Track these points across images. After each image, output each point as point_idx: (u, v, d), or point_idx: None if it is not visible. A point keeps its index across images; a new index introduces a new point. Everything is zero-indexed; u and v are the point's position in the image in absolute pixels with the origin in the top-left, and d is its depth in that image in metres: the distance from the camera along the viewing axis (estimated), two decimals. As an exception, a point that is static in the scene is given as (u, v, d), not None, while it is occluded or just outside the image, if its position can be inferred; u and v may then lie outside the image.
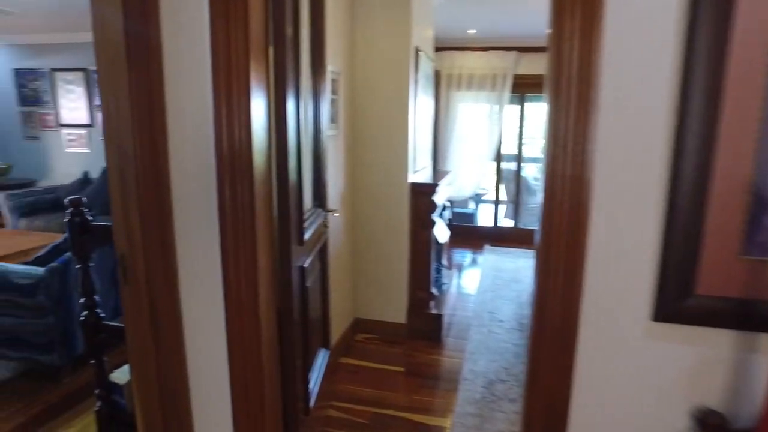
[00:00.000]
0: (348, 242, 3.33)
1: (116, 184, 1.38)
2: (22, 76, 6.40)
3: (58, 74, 6.23)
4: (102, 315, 1.94)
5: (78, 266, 1.85)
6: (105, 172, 5.80)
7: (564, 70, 1.08)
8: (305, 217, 1.84)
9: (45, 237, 4.34)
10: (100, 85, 1.39)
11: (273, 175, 1.55)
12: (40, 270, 2.57)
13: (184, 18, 1.32)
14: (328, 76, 2.56)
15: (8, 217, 5.47)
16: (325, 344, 2.38)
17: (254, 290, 1.41)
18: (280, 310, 1.64)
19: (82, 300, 1.90)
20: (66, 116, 6.31)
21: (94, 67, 6.18)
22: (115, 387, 1.94)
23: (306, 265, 1.84)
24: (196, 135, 1.37)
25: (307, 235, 1.82)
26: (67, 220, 1.80)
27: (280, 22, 1.52)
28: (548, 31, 1.11)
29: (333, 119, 2.86)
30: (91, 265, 1.88)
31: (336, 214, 2.65)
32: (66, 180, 6.16)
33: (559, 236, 1.14)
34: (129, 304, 1.46)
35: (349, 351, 3.29)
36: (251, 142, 1.33)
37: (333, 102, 2.85)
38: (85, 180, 5.79)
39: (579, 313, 1.17)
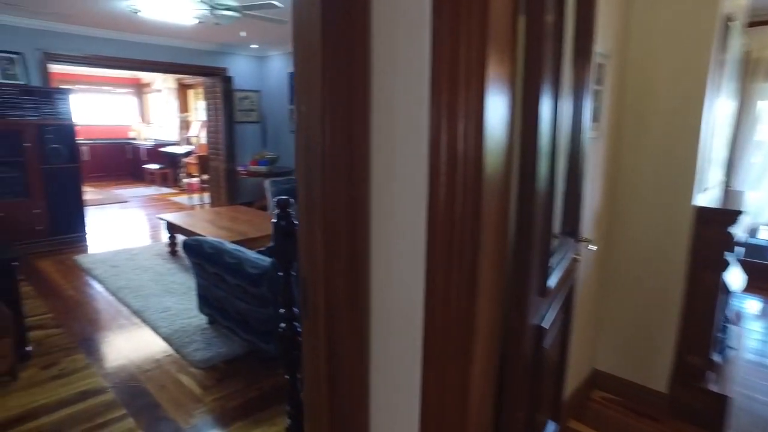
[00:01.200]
0: (594, 274, 2.59)
1: (303, 195, 1.07)
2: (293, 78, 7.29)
3: (322, 75, 6.87)
4: (300, 330, 1.74)
5: (280, 273, 1.67)
6: None
7: None
8: (552, 250, 1.28)
9: (291, 223, 4.74)
10: (297, 82, 1.11)
11: (511, 196, 1.04)
12: (266, 261, 2.61)
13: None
14: (594, 60, 1.91)
15: (270, 202, 6.27)
16: (555, 416, 1.78)
17: (466, 360, 0.94)
18: (500, 385, 1.13)
19: (281, 310, 1.72)
20: (324, 113, 6.95)
21: None
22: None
23: (546, 324, 1.28)
24: (408, 138, 0.97)
25: (552, 280, 1.27)
26: (273, 221, 1.62)
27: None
28: None
29: (594, 117, 2.18)
30: (293, 274, 1.68)
31: (592, 247, 1.96)
32: None
33: None
34: (306, 341, 1.16)
35: (581, 413, 2.57)
36: (481, 152, 0.86)
37: (596, 94, 2.17)
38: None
39: None
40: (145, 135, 11.35)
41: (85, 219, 5.68)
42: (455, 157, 0.89)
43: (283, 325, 1.74)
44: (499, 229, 0.99)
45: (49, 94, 5.29)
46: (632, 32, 2.46)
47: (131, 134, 11.64)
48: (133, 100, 11.78)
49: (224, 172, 7.20)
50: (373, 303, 1.09)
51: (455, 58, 0.86)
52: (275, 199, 1.61)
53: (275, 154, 7.26)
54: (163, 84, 10.44)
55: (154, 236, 5.92)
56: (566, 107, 1.45)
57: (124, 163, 11.11)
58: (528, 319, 1.15)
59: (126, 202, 8.21)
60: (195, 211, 6.09)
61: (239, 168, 7.13)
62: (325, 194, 1.02)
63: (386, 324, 1.08)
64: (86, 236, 5.65)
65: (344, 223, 1.04)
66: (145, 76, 11.25)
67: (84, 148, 10.45)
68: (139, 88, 11.72)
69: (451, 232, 0.92)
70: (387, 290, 1.07)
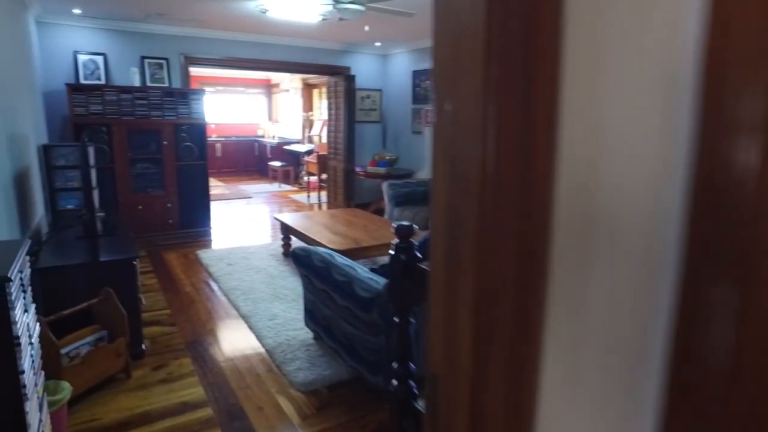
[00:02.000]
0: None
1: (440, 244, 0.67)
2: (417, 77, 6.97)
3: (445, 73, 6.46)
4: (416, 391, 1.34)
5: (395, 319, 1.29)
6: None
7: None
8: None
9: (406, 231, 4.40)
10: (437, 67, 0.70)
11: None
12: (378, 285, 2.27)
13: None
14: None
15: (387, 205, 6.01)
16: None
17: None
18: None
19: (394, 364, 1.34)
20: (445, 113, 6.53)
21: None
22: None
23: None
24: (631, 151, 0.52)
25: None
26: (391, 253, 1.24)
27: None
28: None
29: None
30: (412, 322, 1.29)
31: None
32: None
33: None
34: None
35: None
36: None
37: None
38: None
39: None
40: (271, 133, 11.88)
41: (211, 214, 5.90)
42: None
43: (395, 383, 1.36)
44: None
45: (186, 95, 5.55)
46: None
47: (259, 132, 12.27)
48: (262, 100, 12.41)
49: (342, 172, 7.12)
50: None
51: None
52: (394, 225, 1.24)
53: (395, 155, 7.01)
54: (290, 84, 10.81)
55: (270, 234, 5.99)
56: None
57: (252, 160, 11.73)
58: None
59: (249, 198, 8.56)
60: (311, 213, 6.04)
61: (357, 168, 7.00)
62: (481, 248, 0.60)
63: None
64: (210, 231, 5.87)
65: (509, 300, 0.61)
66: (274, 76, 11.76)
67: (217, 145, 11.21)
68: (269, 88, 12.31)
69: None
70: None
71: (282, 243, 4.93)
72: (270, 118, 12.26)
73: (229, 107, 11.98)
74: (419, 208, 5.60)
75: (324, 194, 7.93)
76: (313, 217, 5.11)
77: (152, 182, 5.53)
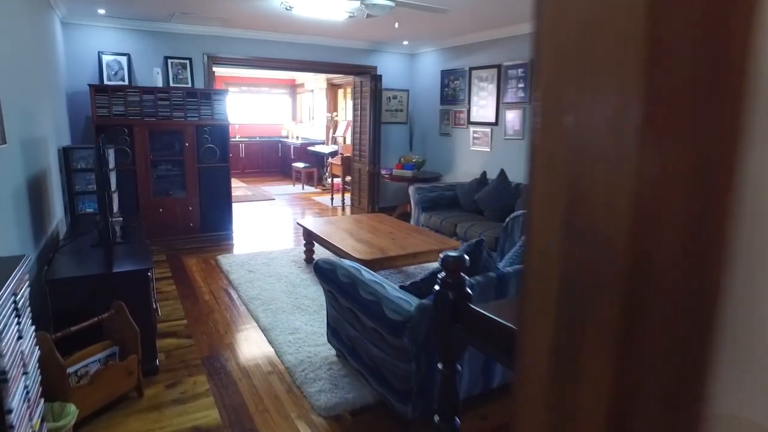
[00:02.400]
0: None
1: (543, 297, 0.43)
2: (446, 76, 6.72)
3: (474, 72, 6.20)
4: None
5: (441, 366, 1.06)
6: (502, 174, 5.54)
7: None
8: None
9: (437, 240, 4.16)
10: (544, 84, 0.46)
11: None
12: (410, 306, 2.04)
13: None
14: None
15: (413, 209, 5.78)
16: None
17: None
18: None
19: (436, 418, 1.12)
20: (475, 114, 6.27)
21: (508, 63, 5.99)
22: None
23: None
24: None
25: None
26: (436, 289, 1.02)
27: None
28: None
29: None
30: (459, 369, 1.07)
31: None
32: (466, 178, 6.14)
33: None
34: None
35: None
36: None
37: None
38: (481, 180, 5.55)
39: None
40: (295, 134, 11.77)
41: (232, 218, 5.77)
42: None
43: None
44: None
45: (209, 95, 5.42)
46: None
47: (283, 133, 12.18)
48: (286, 100, 12.31)
49: (367, 175, 6.92)
50: None
51: None
52: (442, 256, 1.01)
53: (421, 158, 6.77)
54: (314, 84, 10.67)
55: (292, 239, 5.82)
56: None
57: (275, 160, 11.64)
58: None
59: (272, 199, 8.44)
60: (334, 218, 5.85)
61: (383, 171, 6.79)
62: (625, 355, 0.37)
63: None
64: (232, 234, 5.74)
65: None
66: (298, 76, 11.65)
67: (240, 146, 11.14)
68: (293, 88, 12.20)
69: None
70: None
71: (304, 249, 4.75)
72: (294, 119, 12.16)
73: (253, 107, 11.91)
74: (447, 213, 5.36)
75: (348, 197, 7.75)
76: (337, 222, 4.92)
77: (173, 185, 5.43)
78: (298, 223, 4.95)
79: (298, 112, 12.23)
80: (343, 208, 7.71)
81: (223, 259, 4.85)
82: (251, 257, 4.93)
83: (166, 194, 5.36)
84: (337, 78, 9.90)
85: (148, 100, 5.08)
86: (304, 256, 4.78)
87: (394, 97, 7.31)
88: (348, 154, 8.61)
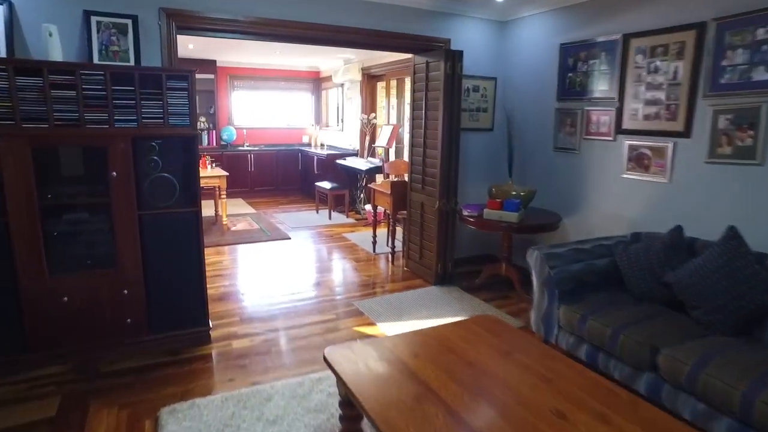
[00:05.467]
0: None
1: None
2: (571, 54, 4.03)
3: (637, 43, 3.49)
4: None
5: None
6: (734, 236, 2.18)
7: None
8: None
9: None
10: None
11: None
12: None
13: None
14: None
15: (538, 293, 3.10)
16: None
17: None
18: None
19: None
20: (631, 117, 3.56)
21: (726, 16, 2.75)
22: None
23: None
24: None
25: None
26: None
27: None
28: None
29: None
30: None
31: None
32: (611, 227, 3.58)
33: None
34: None
35: None
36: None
37: None
38: (674, 242, 2.87)
39: None
40: (319, 141, 9.22)
41: (207, 302, 3.19)
42: None
43: None
44: None
45: (158, 81, 2.83)
46: None
47: (304, 139, 9.64)
48: (308, 99, 9.77)
49: (436, 214, 4.26)
50: None
51: None
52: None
53: (530, 189, 4.10)
54: (344, 76, 8.07)
55: (317, 348, 3.22)
56: None
57: (294, 175, 9.11)
58: None
59: (287, 239, 5.85)
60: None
61: (464, 210, 4.12)
62: None
63: None
64: (209, 334, 3.17)
65: None
66: (324, 66, 9.11)
67: (249, 156, 8.65)
68: (317, 83, 9.66)
69: None
70: None
71: (340, 407, 2.11)
72: (318, 122, 9.60)
73: (266, 108, 9.42)
74: (614, 311, 2.69)
75: (396, 233, 5.10)
76: (399, 346, 2.22)
77: (92, 250, 2.88)
78: (327, 362, 2.24)
79: (324, 114, 9.67)
80: (392, 260, 5.06)
81: (177, 414, 2.25)
82: (234, 399, 2.33)
83: (78, 268, 2.82)
84: (376, 66, 7.29)
85: (32, 87, 2.53)
86: (337, 414, 2.16)
87: (475, 89, 4.65)
88: (398, 176, 5.97)
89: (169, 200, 2.93)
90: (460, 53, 4.09)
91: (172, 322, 3.07)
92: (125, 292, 2.91)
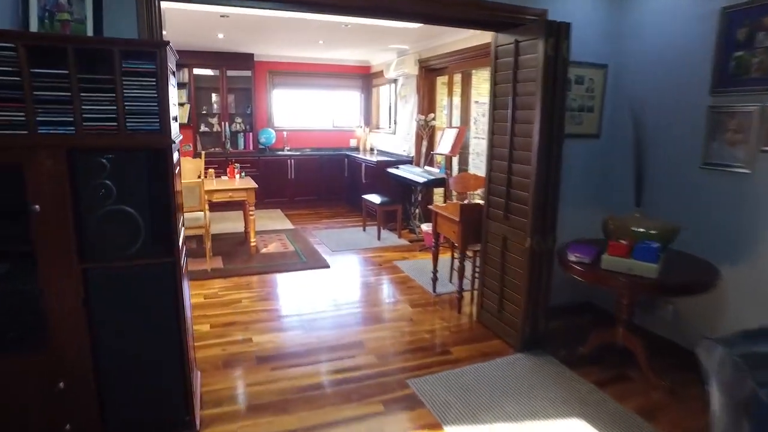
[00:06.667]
0: None
1: None
2: (741, 21, 2.70)
3: None
4: None
5: None
6: None
7: None
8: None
9: None
10: None
11: None
12: None
13: None
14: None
15: (719, 404, 1.84)
16: None
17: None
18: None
19: None
20: None
21: None
22: None
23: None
24: None
25: None
26: None
27: None
28: None
29: None
30: None
31: None
32: None
33: None
34: None
35: None
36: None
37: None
38: None
39: None
40: (369, 145, 8.15)
41: (192, 401, 2.13)
42: None
43: None
44: None
45: (107, 56, 1.79)
46: None
47: (352, 143, 8.60)
48: (357, 97, 8.72)
49: (527, 254, 3.03)
50: None
51: None
52: None
53: (671, 225, 2.79)
54: (397, 70, 6.94)
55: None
56: None
57: (339, 183, 8.07)
58: None
59: (326, 267, 4.78)
60: None
61: (569, 252, 2.86)
62: None
63: None
64: (190, 444, 2.12)
65: None
66: (375, 61, 8.02)
67: (289, 162, 7.71)
68: (368, 79, 8.59)
69: None
70: None
71: None
72: (367, 124, 8.53)
73: (309, 107, 8.46)
74: None
75: (466, 268, 3.88)
76: None
77: (4, 326, 1.88)
78: None
79: (374, 114, 8.59)
80: (459, 307, 3.85)
81: None
82: None
83: (-10, 350, 1.83)
84: (436, 58, 6.11)
85: None
86: None
87: (578, 81, 3.40)
88: (464, 194, 4.76)
89: (130, 246, 1.90)
90: (567, 27, 2.85)
91: (138, 427, 2.04)
92: (61, 385, 1.90)
